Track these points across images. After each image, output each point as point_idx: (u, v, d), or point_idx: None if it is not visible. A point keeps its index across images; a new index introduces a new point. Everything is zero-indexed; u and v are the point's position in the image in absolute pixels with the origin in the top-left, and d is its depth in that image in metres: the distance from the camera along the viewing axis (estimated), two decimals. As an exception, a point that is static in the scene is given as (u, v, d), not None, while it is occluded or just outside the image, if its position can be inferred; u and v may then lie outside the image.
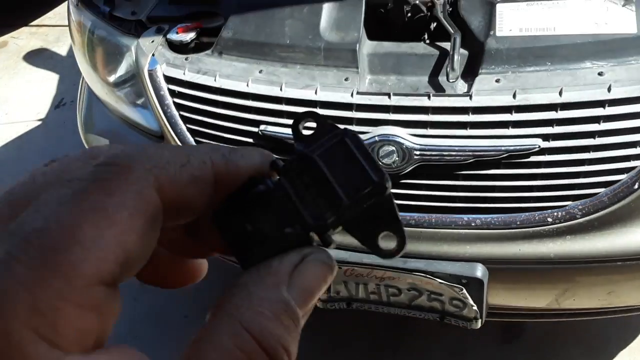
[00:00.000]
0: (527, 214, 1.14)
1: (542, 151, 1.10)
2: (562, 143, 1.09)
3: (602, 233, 1.13)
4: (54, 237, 0.21)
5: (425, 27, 1.30)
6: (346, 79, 1.19)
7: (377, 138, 1.13)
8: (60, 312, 0.21)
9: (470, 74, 1.16)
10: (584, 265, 1.16)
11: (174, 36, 1.34)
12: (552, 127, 1.08)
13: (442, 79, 1.18)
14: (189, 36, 1.33)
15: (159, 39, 1.35)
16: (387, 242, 0.29)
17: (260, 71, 1.24)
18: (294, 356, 0.25)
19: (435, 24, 1.29)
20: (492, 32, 1.16)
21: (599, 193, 1.12)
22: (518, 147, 1.09)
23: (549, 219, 1.13)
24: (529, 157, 1.10)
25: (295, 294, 0.26)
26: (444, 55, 1.20)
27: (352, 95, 1.16)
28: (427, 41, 1.30)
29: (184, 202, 0.26)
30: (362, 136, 1.17)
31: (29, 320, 0.20)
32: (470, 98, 1.11)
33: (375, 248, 0.29)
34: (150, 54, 1.32)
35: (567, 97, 1.07)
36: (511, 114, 1.09)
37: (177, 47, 1.33)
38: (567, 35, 1.13)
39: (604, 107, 1.07)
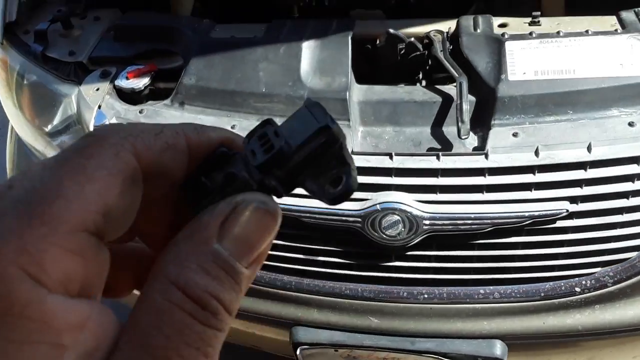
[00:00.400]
0: (552, 283, 1.00)
1: (570, 215, 0.95)
2: (592, 205, 0.95)
3: (635, 300, 1.00)
4: (39, 194, 0.23)
5: (421, 66, 1.13)
6: (337, 135, 1.01)
7: (378, 207, 0.96)
8: (46, 252, 0.22)
9: (479, 124, 1.01)
10: (612, 334, 1.03)
11: (123, 83, 1.11)
12: (581, 187, 0.94)
13: (446, 130, 1.02)
14: (142, 82, 1.11)
15: (106, 85, 1.13)
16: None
17: (233, 126, 1.04)
18: (231, 305, 0.25)
19: (431, 61, 1.12)
20: (503, 76, 1.00)
21: (630, 257, 0.99)
22: (543, 213, 0.94)
23: (577, 289, 0.99)
24: (554, 223, 0.96)
25: (229, 244, 0.26)
26: (447, 101, 1.04)
27: (346, 155, 0.98)
28: (424, 82, 1.13)
29: (160, 168, 0.27)
30: (359, 204, 1.01)
31: (17, 259, 0.22)
32: (486, 157, 0.95)
33: (321, 193, 0.29)
34: (96, 107, 1.10)
35: (597, 154, 0.93)
36: (534, 174, 0.94)
37: (128, 96, 1.11)
38: (590, 79, 0.99)
39: (638, 164, 0.93)
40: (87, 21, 1.26)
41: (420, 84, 1.12)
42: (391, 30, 1.06)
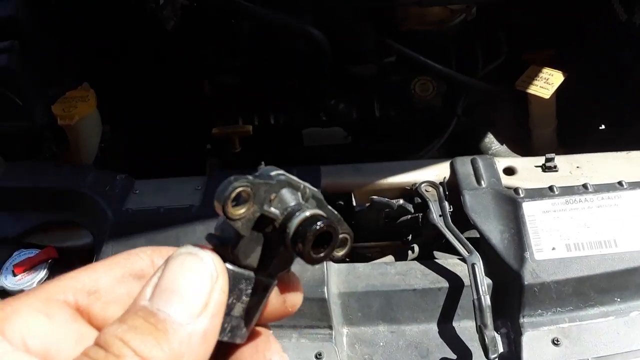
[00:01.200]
0: None
1: None
2: None
3: None
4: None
5: (411, 229, 0.87)
6: (319, 356, 0.73)
7: None
8: (14, 307, 0.26)
9: (502, 317, 0.76)
10: None
11: (9, 282, 0.79)
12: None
13: (458, 326, 0.78)
14: (37, 278, 0.80)
15: (-20, 288, 0.80)
16: None
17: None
18: (147, 353, 0.24)
19: (425, 224, 0.87)
20: (527, 254, 0.77)
21: None
22: None
23: None
24: None
25: (157, 297, 0.26)
26: (455, 285, 0.79)
27: (334, 388, 0.71)
28: (416, 248, 0.88)
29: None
30: None
31: None
32: (524, 380, 0.71)
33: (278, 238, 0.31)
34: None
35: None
36: (586, 400, 0.71)
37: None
38: (636, 253, 0.77)
39: None
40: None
41: (412, 250, 0.86)
42: (375, 198, 0.80)
